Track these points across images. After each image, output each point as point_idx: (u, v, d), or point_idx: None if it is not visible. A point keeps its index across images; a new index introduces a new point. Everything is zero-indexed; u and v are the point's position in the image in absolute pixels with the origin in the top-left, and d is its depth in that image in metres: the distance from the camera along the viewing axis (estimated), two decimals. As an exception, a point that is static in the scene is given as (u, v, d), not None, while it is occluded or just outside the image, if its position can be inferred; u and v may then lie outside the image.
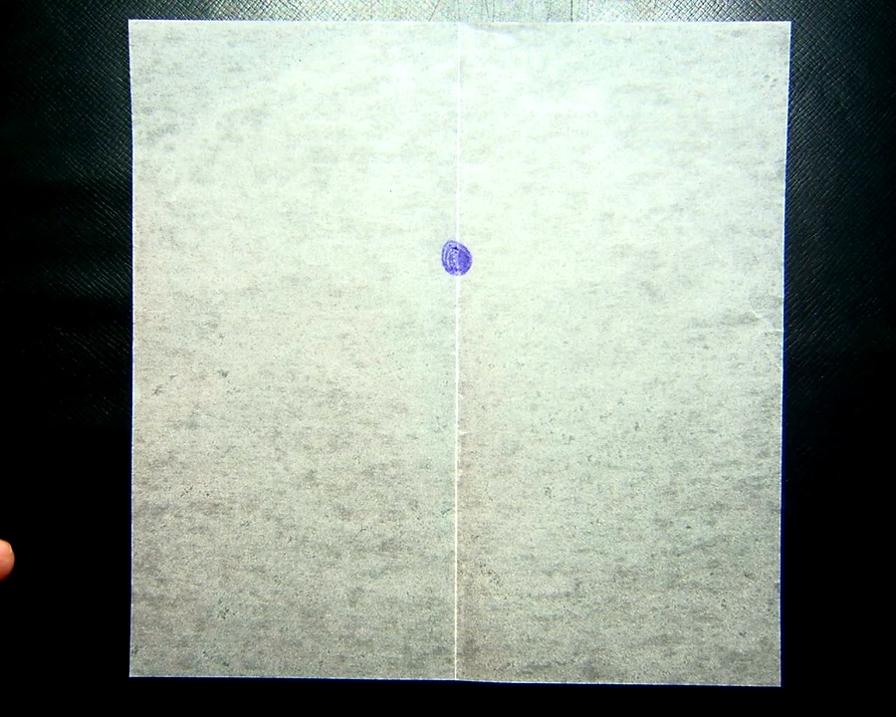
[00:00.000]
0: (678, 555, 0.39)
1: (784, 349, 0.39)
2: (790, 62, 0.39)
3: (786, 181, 0.39)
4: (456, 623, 0.39)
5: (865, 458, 0.39)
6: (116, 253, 0.40)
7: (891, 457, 0.39)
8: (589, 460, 0.39)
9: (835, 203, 0.40)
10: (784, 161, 0.39)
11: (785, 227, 0.39)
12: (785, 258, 0.39)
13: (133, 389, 0.40)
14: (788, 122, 0.39)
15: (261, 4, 0.40)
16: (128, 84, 0.40)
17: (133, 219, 0.40)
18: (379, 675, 0.39)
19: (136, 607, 0.40)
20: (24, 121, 0.40)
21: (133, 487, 0.40)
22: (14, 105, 0.40)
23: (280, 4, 0.40)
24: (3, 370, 0.40)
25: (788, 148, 0.39)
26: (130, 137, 0.40)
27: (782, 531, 0.39)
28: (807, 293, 0.39)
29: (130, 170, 0.40)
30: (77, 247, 0.40)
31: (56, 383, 0.40)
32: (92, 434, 0.40)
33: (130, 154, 0.40)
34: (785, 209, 0.39)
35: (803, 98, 0.39)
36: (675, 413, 0.39)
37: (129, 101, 0.40)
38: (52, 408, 0.40)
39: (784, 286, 0.39)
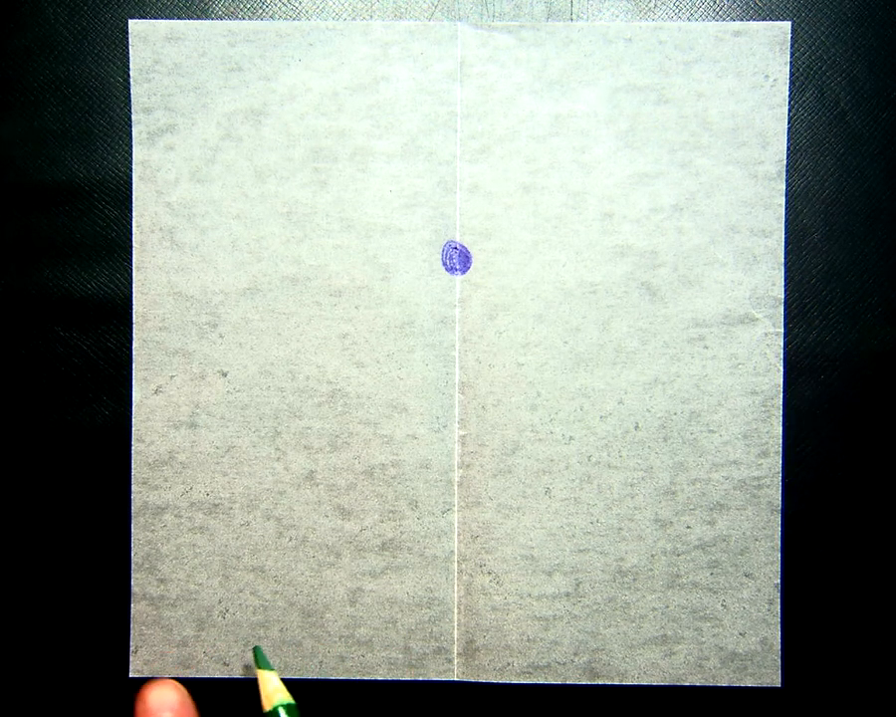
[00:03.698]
0: (678, 555, 0.39)
1: (784, 349, 0.39)
2: (790, 62, 0.39)
3: (787, 181, 0.39)
4: (456, 623, 0.39)
5: (865, 458, 0.39)
6: (116, 253, 0.40)
7: (891, 457, 0.39)
8: (589, 460, 0.39)
9: (835, 203, 0.40)
10: (785, 161, 0.39)
11: (786, 227, 0.39)
12: (786, 258, 0.39)
13: (133, 389, 0.40)
14: (788, 122, 0.39)
15: (261, 4, 0.40)
16: (128, 84, 0.40)
17: (133, 219, 0.40)
18: (379, 675, 0.39)
19: (136, 607, 0.40)
20: (24, 121, 0.40)
21: (133, 487, 0.40)
22: (14, 105, 0.40)
23: (280, 4, 0.40)
24: (3, 370, 0.40)
25: (788, 148, 0.39)
26: (130, 137, 0.40)
27: (782, 531, 0.39)
28: (807, 293, 0.39)
29: (130, 170, 0.40)
30: (77, 247, 0.40)
31: (56, 383, 0.40)
32: (92, 434, 0.40)
33: (130, 154, 0.40)
34: (786, 209, 0.39)
35: (803, 98, 0.39)
36: (675, 413, 0.39)
37: (129, 101, 0.40)
38: (52, 408, 0.40)
39: (785, 286, 0.39)
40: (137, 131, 0.40)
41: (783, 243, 0.39)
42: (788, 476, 0.39)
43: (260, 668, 0.37)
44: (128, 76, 0.40)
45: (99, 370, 0.40)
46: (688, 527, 0.39)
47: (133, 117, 0.40)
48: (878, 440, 0.39)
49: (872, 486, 0.39)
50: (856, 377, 0.39)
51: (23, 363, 0.40)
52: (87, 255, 0.40)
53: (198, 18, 0.40)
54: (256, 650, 0.38)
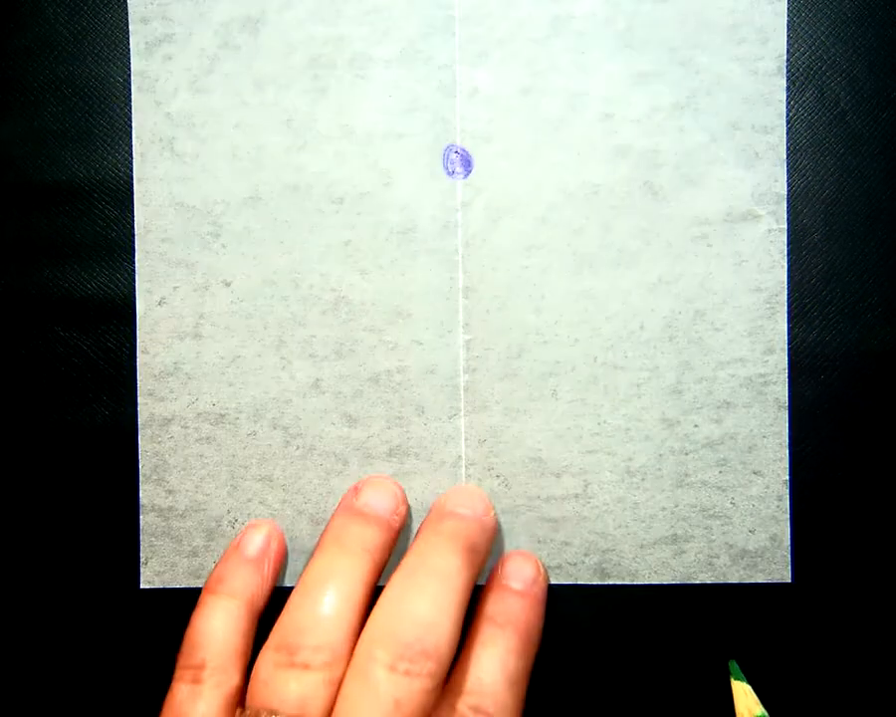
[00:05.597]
0: (686, 454, 0.39)
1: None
2: (790, 62, 0.39)
3: (787, 77, 0.39)
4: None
5: (866, 458, 0.39)
6: (116, 253, 0.40)
7: (892, 457, 0.39)
8: (595, 361, 0.39)
9: (835, 203, 0.39)
10: (784, 57, 0.39)
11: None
12: (787, 162, 0.39)
13: (137, 302, 0.40)
14: (788, 122, 0.39)
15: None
16: (129, 84, 0.40)
17: (133, 130, 0.40)
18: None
19: (146, 519, 0.40)
20: (24, 121, 0.40)
21: (140, 399, 0.40)
22: (14, 105, 0.40)
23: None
24: (3, 370, 0.40)
25: (788, 147, 0.39)
26: (131, 138, 0.40)
27: (789, 427, 0.39)
28: (807, 293, 0.39)
29: (131, 170, 0.40)
30: (77, 247, 0.40)
31: (56, 383, 0.40)
32: (92, 434, 0.40)
33: (131, 155, 0.40)
34: (786, 109, 0.39)
35: (803, 98, 0.39)
36: (680, 312, 0.39)
37: (130, 100, 0.40)
38: (52, 408, 0.40)
39: (787, 183, 0.39)
40: (135, 42, 0.39)
41: (783, 139, 0.39)
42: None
43: (735, 680, 0.37)
44: (129, 76, 0.39)
45: (99, 370, 0.40)
46: (695, 426, 0.39)
47: (131, 26, 0.39)
48: (879, 440, 0.39)
49: (873, 486, 0.39)
50: (856, 377, 0.39)
51: (23, 363, 0.40)
52: (87, 255, 0.40)
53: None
54: (731, 664, 0.38)
